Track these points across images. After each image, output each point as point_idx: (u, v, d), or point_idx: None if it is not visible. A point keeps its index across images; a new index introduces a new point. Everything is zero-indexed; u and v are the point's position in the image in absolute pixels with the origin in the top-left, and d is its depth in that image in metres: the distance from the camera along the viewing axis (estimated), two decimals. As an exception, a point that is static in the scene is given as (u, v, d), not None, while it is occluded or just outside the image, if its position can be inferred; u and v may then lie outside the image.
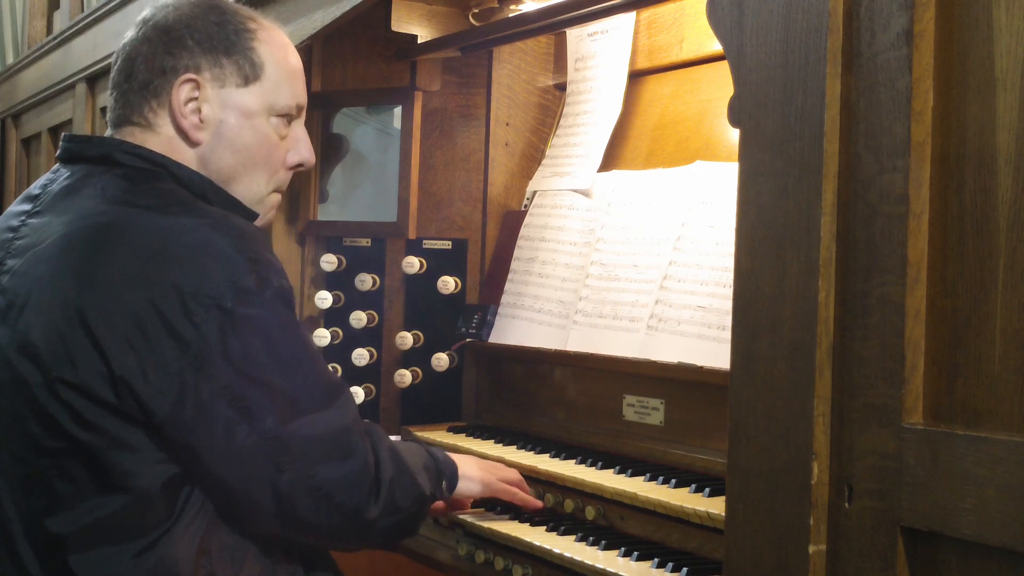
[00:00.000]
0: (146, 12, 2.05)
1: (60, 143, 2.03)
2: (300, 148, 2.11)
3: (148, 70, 1.99)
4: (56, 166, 2.03)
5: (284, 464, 1.83)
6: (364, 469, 1.93)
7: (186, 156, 1.99)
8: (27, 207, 1.98)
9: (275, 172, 2.08)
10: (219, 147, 2.00)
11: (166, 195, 1.90)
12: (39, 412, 1.78)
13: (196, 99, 1.98)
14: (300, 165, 2.13)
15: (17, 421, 1.81)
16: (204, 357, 1.76)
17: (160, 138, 1.99)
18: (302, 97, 2.11)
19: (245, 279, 1.79)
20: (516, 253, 3.03)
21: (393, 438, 3.00)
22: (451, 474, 2.26)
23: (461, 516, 2.46)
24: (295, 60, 2.10)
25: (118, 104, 2.03)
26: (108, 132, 2.05)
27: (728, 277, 2.04)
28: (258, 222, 2.07)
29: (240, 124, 2.01)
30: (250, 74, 2.01)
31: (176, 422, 1.76)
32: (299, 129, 2.12)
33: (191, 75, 1.97)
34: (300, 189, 3.22)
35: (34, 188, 2.03)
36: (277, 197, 2.13)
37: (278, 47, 2.07)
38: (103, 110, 4.98)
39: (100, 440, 1.76)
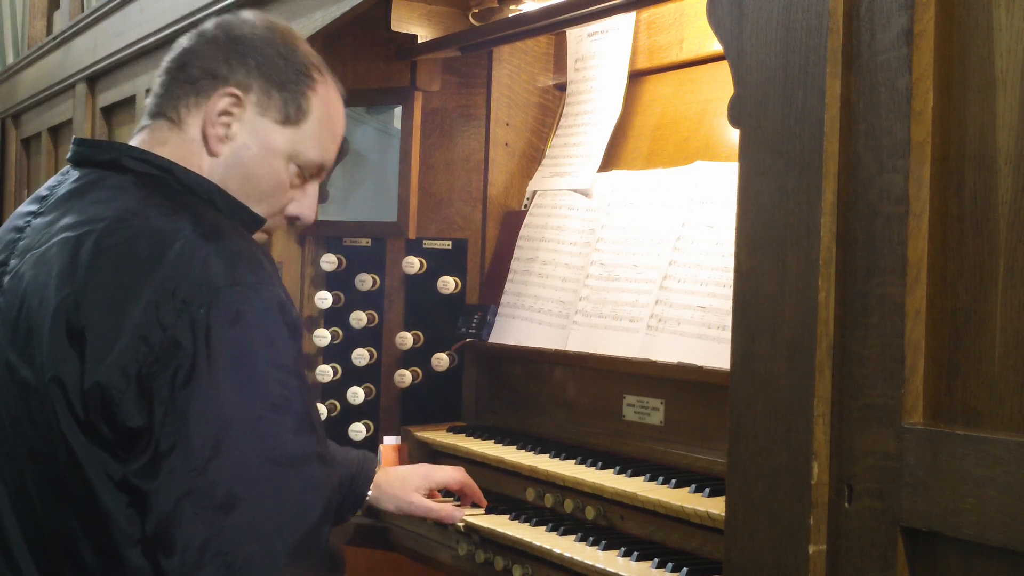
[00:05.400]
0: (228, 16, 2.07)
1: (71, 146, 2.04)
2: (304, 203, 2.10)
3: (200, 68, 2.00)
4: (66, 168, 2.04)
5: (198, 507, 1.69)
6: (275, 557, 1.72)
7: (199, 162, 1.99)
8: (34, 208, 1.99)
9: (272, 213, 2.07)
10: (232, 166, 2.00)
11: (170, 202, 1.89)
12: (31, 414, 1.78)
13: (232, 115, 1.98)
14: (297, 219, 2.12)
15: (13, 422, 1.81)
16: (164, 360, 1.71)
17: (184, 137, 1.99)
18: (329, 160, 2.10)
19: (227, 290, 1.75)
20: (516, 253, 3.03)
21: (391, 439, 3.02)
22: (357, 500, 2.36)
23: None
24: (339, 125, 2.10)
25: (162, 89, 2.04)
26: (144, 120, 2.05)
27: (728, 277, 2.04)
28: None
29: (259, 155, 2.00)
30: (292, 116, 2.01)
31: (133, 429, 1.72)
32: (312, 187, 2.10)
33: (237, 91, 1.98)
34: (300, 189, 3.21)
35: (43, 189, 2.03)
36: (264, 237, 2.10)
37: (330, 106, 2.07)
38: (103, 110, 4.98)
39: (75, 448, 1.74)
